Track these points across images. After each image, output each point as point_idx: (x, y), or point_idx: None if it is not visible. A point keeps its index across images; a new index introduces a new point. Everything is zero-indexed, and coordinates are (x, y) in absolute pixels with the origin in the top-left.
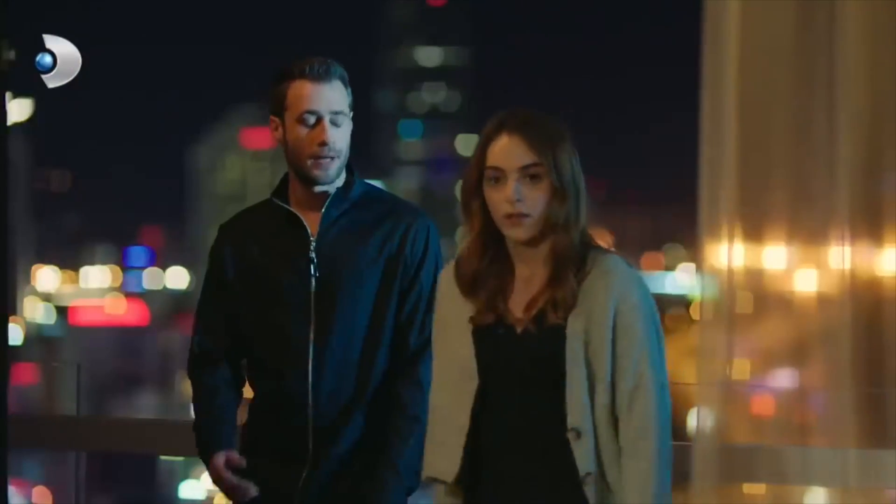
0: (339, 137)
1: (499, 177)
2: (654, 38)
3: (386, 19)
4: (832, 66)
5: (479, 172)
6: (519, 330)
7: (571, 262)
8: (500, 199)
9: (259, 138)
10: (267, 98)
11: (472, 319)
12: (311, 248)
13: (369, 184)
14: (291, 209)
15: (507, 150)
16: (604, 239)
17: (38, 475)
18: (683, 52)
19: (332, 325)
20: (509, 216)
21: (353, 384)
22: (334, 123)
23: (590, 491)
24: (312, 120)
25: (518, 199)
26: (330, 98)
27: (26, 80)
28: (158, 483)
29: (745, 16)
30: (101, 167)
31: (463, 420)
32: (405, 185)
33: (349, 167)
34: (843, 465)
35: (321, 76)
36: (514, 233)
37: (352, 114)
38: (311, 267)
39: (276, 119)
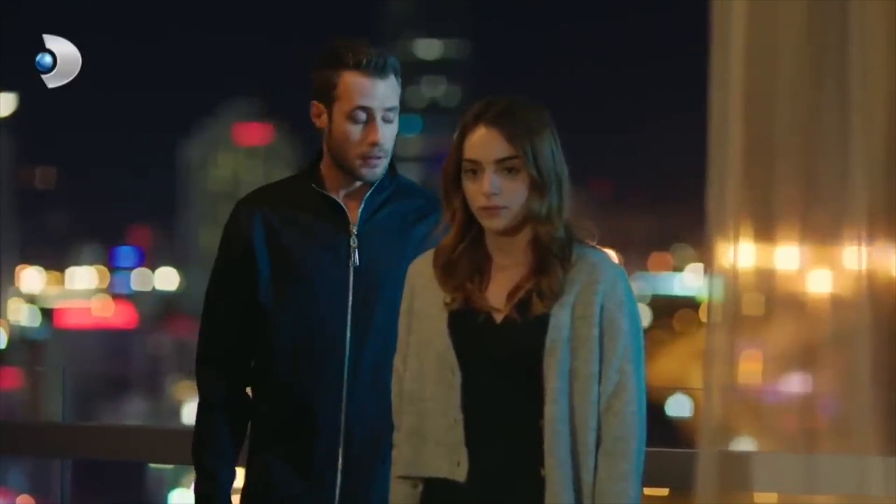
0: (389, 136)
1: (476, 169)
2: (661, 33)
3: (383, 10)
4: (844, 60)
5: (457, 163)
6: (499, 319)
7: (557, 253)
8: (477, 191)
9: (252, 134)
10: (309, 81)
11: (446, 304)
12: (353, 236)
13: (402, 175)
14: (333, 196)
15: (484, 143)
16: (587, 230)
17: (23, 483)
18: (691, 46)
19: (370, 324)
20: (485, 208)
21: (387, 387)
22: (386, 121)
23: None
24: (364, 117)
25: (494, 193)
26: (384, 95)
27: (12, 75)
28: (147, 491)
29: (753, 10)
30: (88, 164)
31: (454, 415)
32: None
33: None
34: (862, 472)
35: (377, 71)
36: (491, 223)
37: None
38: (354, 256)
39: (321, 106)
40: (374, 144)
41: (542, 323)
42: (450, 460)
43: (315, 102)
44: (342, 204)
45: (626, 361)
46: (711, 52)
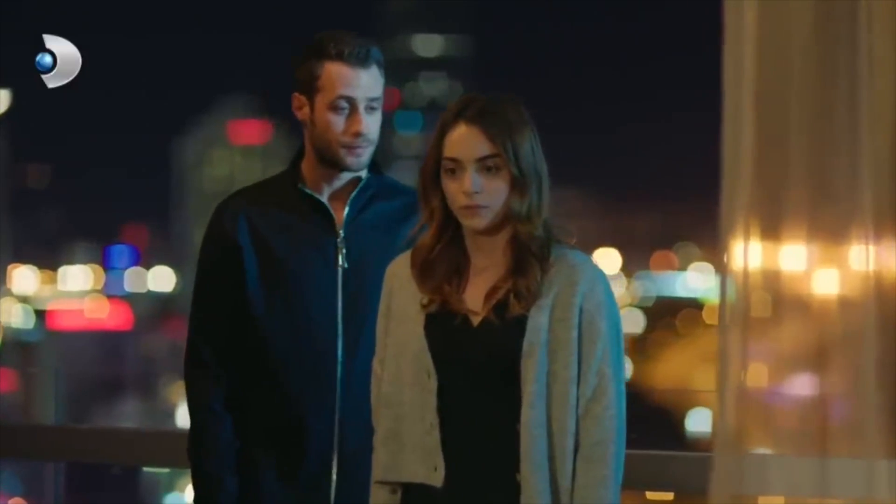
0: (374, 125)
1: (456, 168)
2: (666, 30)
3: (383, 7)
4: (853, 60)
5: (436, 162)
6: (476, 322)
7: (535, 252)
8: (457, 190)
9: (248, 132)
10: (290, 74)
11: (423, 306)
12: (340, 237)
13: (386, 174)
14: (319, 198)
15: (464, 141)
16: (566, 229)
17: (16, 487)
18: (695, 45)
19: (362, 326)
20: (467, 207)
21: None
22: (370, 110)
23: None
24: (347, 106)
25: (476, 192)
26: (367, 85)
27: (6, 72)
28: (141, 495)
29: (764, 10)
30: (83, 162)
31: (430, 419)
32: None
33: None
34: (870, 476)
35: (360, 61)
36: (472, 223)
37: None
38: (340, 257)
39: (303, 98)
40: (359, 135)
41: (520, 325)
42: (426, 465)
43: (297, 95)
44: (327, 204)
45: (606, 364)
46: (724, 52)
